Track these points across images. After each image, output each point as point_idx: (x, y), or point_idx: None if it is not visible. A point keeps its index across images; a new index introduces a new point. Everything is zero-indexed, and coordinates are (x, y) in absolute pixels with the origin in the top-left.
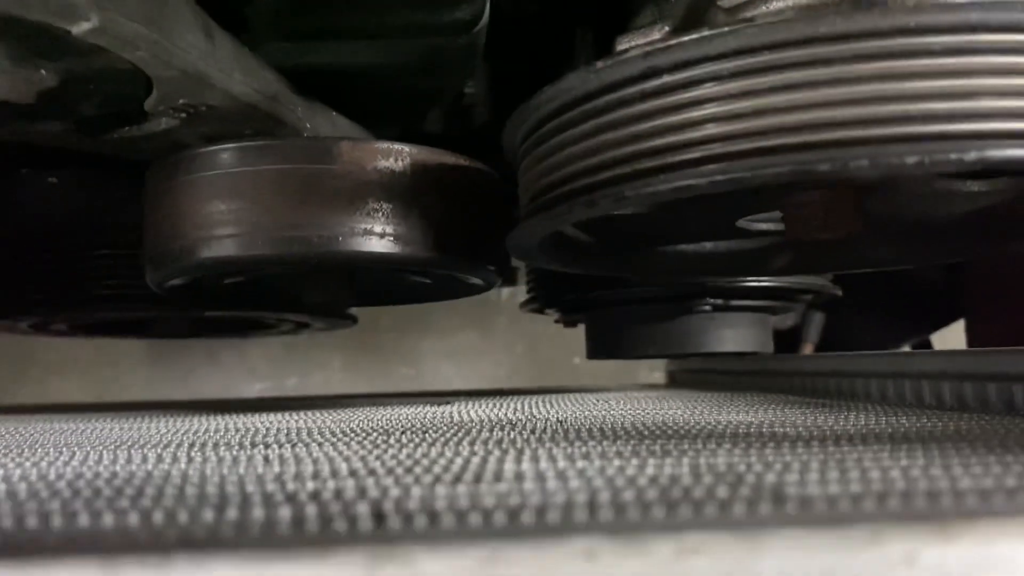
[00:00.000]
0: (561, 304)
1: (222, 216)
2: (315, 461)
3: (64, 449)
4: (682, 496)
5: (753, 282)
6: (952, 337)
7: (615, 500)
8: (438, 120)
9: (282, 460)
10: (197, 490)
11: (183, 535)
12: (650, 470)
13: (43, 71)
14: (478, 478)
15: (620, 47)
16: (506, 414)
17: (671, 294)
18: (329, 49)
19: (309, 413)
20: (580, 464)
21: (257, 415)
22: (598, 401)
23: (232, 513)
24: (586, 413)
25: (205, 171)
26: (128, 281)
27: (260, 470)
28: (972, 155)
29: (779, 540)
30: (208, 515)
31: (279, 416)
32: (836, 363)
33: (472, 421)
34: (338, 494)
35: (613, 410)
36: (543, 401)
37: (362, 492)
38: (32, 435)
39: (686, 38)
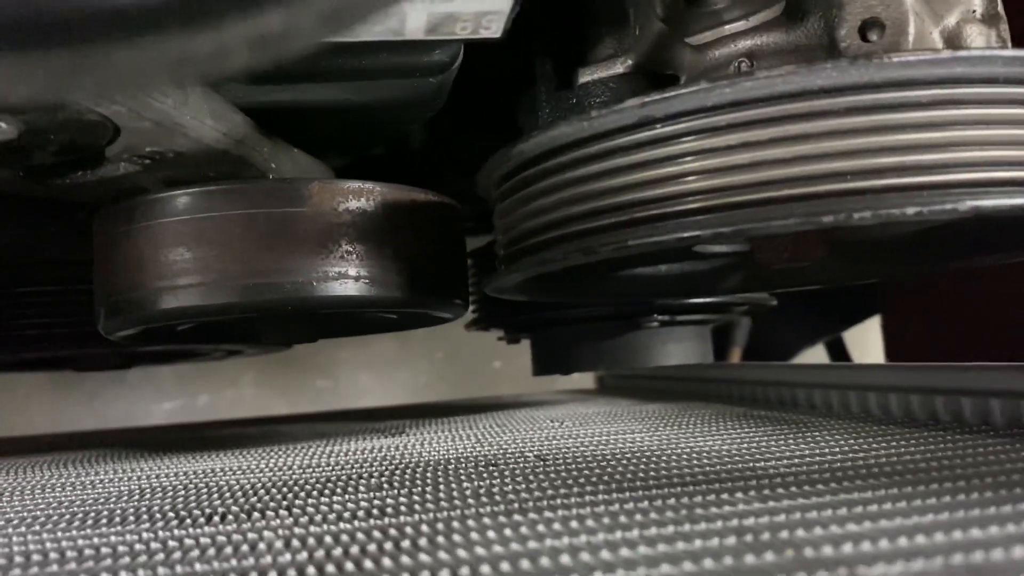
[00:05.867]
0: (508, 324)
1: (187, 264)
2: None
3: None
4: None
5: (700, 299)
6: (863, 334)
7: None
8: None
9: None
10: None
11: None
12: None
13: (2, 124)
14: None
15: (582, 79)
16: (475, 448)
17: (620, 312)
18: (295, 91)
19: (254, 454)
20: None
21: (200, 458)
22: (551, 422)
23: None
24: (556, 443)
25: (167, 216)
26: (56, 320)
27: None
28: (967, 205)
29: None
30: None
31: (220, 459)
32: (777, 373)
33: (447, 460)
34: None
35: (579, 438)
36: (496, 426)
37: None
38: None
39: (684, 90)
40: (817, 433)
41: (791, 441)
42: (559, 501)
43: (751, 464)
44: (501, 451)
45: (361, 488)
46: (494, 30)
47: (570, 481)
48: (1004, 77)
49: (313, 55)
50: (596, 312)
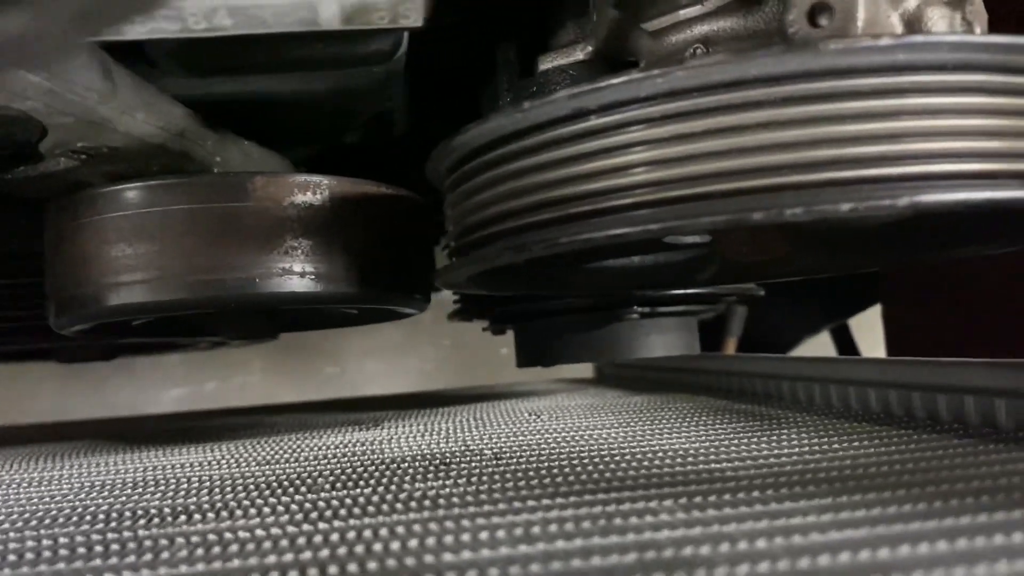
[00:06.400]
0: (487, 315)
1: (129, 260)
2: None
3: None
4: None
5: (680, 290)
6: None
7: None
8: (356, 131)
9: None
10: None
11: None
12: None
13: None
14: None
15: (543, 67)
16: (438, 445)
17: (600, 304)
18: (238, 82)
19: (223, 448)
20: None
21: (172, 452)
22: (529, 416)
23: None
24: (520, 439)
25: (110, 212)
26: (34, 312)
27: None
28: (904, 201)
29: None
30: None
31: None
32: (765, 365)
33: (403, 458)
34: None
35: (547, 433)
36: (474, 419)
37: None
38: None
39: (616, 80)
40: (785, 431)
41: (754, 441)
42: (485, 508)
43: (700, 467)
44: (462, 448)
45: (303, 489)
46: (413, 19)
47: (509, 484)
48: (952, 64)
49: (240, 47)
50: (576, 304)
